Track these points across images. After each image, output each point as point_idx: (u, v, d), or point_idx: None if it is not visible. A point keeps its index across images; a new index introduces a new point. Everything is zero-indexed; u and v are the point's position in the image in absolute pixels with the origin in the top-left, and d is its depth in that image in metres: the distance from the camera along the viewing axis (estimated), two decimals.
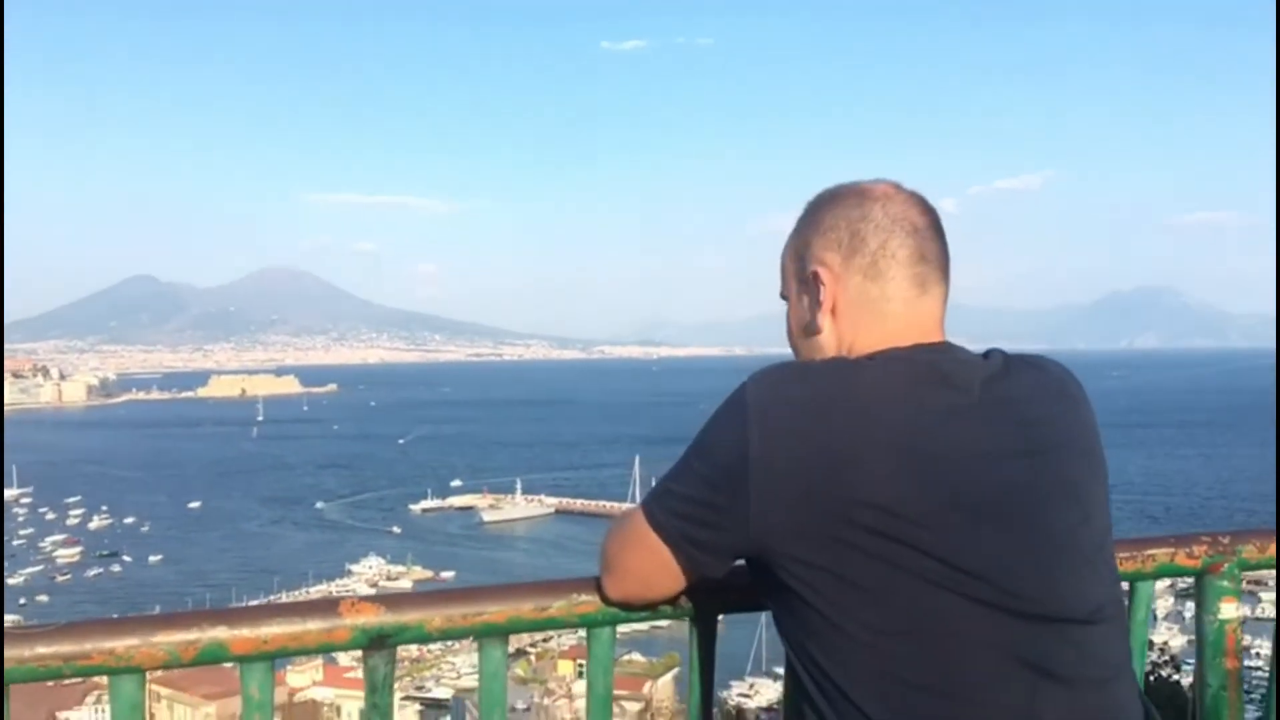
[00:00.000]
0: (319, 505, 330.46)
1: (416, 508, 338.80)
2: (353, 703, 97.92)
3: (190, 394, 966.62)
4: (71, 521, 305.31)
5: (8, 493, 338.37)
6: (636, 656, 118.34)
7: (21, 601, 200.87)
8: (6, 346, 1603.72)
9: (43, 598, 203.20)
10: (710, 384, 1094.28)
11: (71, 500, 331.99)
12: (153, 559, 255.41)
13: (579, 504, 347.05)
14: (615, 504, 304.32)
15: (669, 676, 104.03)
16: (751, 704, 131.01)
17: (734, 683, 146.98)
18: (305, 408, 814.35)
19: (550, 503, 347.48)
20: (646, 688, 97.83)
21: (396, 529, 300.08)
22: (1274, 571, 3.80)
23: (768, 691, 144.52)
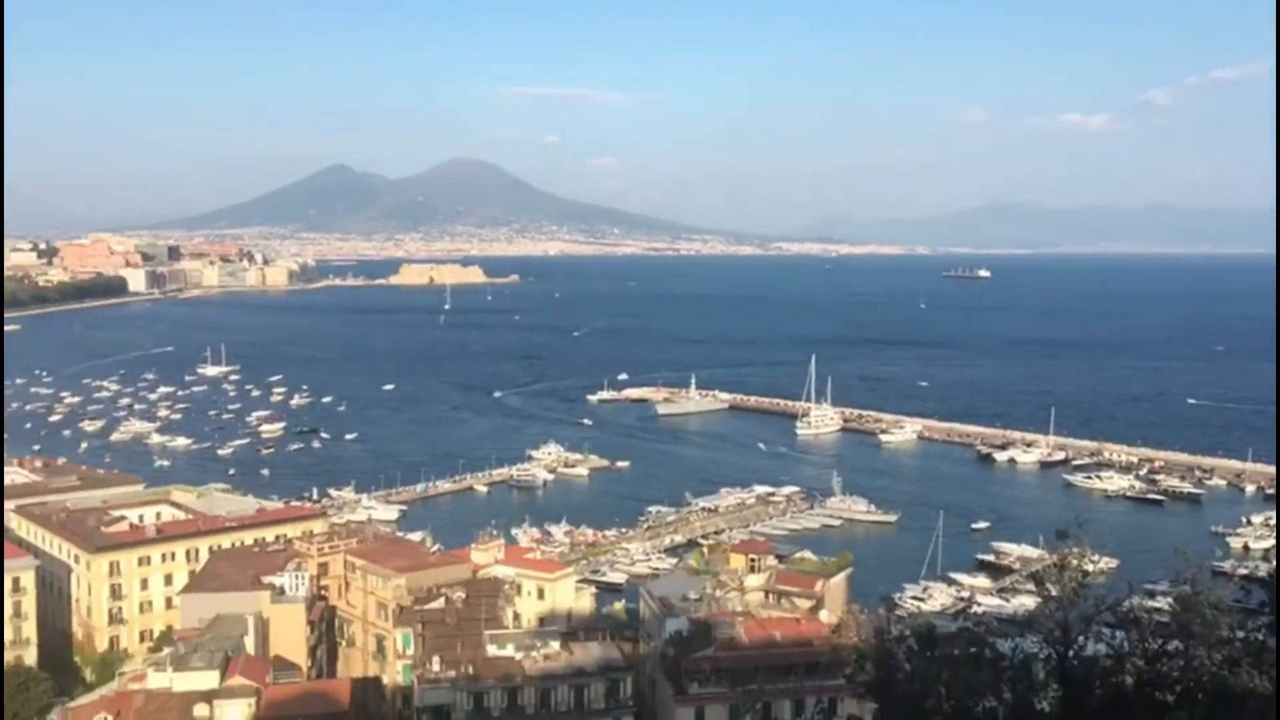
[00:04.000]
0: (497, 394, 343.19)
1: (593, 398, 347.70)
2: (531, 582, 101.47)
3: (382, 281, 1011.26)
4: (275, 399, 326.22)
5: (217, 369, 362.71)
6: (809, 555, 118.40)
7: (231, 472, 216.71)
8: (216, 230, 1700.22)
9: (264, 471, 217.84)
10: (888, 283, 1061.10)
11: (274, 379, 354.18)
12: (348, 437, 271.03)
13: (753, 400, 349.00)
14: (790, 401, 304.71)
15: (841, 577, 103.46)
16: (925, 607, 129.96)
17: (908, 585, 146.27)
18: (489, 297, 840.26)
19: (724, 398, 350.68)
20: (818, 586, 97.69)
21: (574, 418, 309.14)
22: None
23: (941, 596, 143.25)
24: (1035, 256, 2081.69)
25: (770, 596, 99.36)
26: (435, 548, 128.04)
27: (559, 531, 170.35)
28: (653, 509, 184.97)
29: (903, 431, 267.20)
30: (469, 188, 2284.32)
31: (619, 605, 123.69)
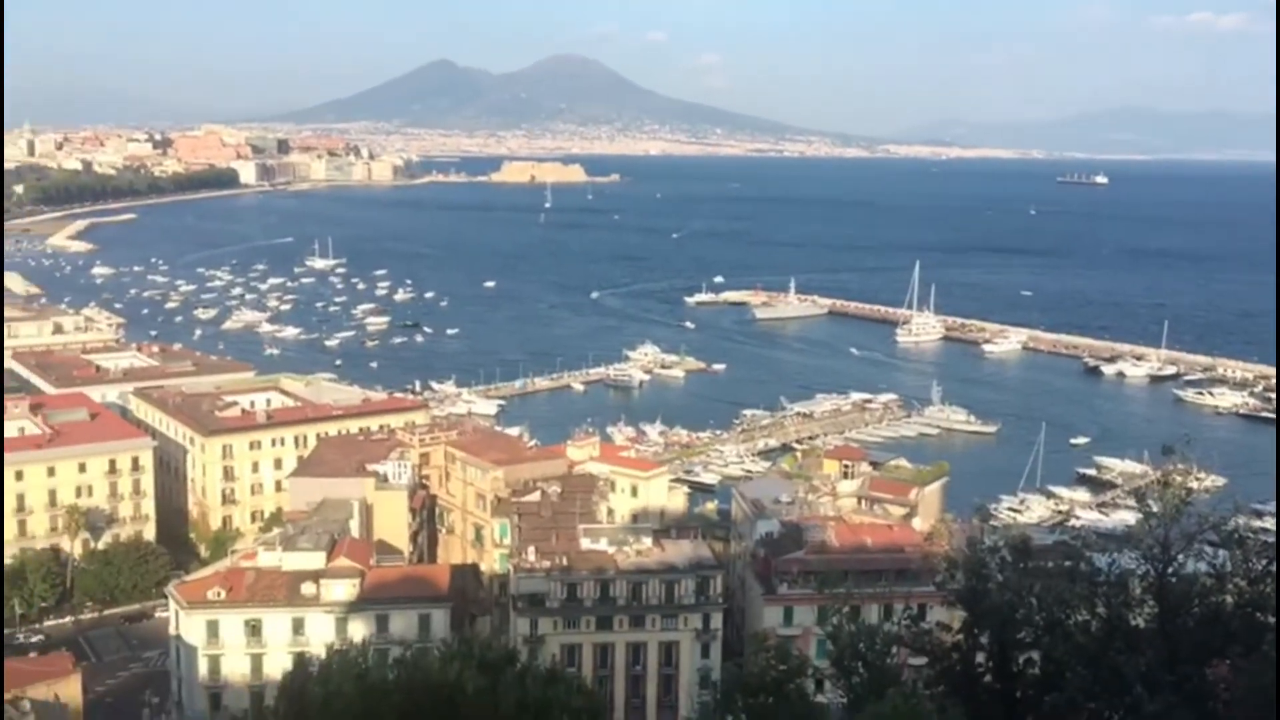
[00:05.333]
0: (595, 294, 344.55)
1: (691, 300, 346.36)
2: (625, 480, 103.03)
3: (484, 178, 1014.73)
4: (380, 293, 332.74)
5: (325, 262, 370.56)
6: (904, 463, 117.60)
7: (338, 362, 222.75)
8: (323, 124, 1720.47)
9: (373, 364, 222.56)
10: (999, 188, 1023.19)
11: (379, 273, 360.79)
12: (450, 332, 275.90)
13: (853, 306, 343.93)
14: (891, 308, 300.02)
15: (937, 486, 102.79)
16: (1021, 518, 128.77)
17: (1005, 497, 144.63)
18: (590, 197, 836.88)
19: (824, 303, 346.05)
20: (912, 494, 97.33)
21: (671, 320, 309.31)
22: None
23: (1038, 509, 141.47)
24: (1156, 162, 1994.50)
25: (863, 503, 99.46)
26: (532, 443, 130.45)
27: (654, 431, 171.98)
28: (748, 412, 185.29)
29: (1007, 342, 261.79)
30: (571, 84, 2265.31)
31: (711, 505, 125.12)
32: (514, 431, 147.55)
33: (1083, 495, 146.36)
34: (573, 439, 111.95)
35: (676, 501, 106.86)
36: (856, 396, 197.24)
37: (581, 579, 79.73)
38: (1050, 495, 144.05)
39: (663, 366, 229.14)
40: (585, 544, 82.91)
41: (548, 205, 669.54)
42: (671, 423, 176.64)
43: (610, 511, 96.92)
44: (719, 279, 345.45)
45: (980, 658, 36.61)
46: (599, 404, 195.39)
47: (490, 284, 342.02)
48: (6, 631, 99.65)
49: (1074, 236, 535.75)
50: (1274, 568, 32.32)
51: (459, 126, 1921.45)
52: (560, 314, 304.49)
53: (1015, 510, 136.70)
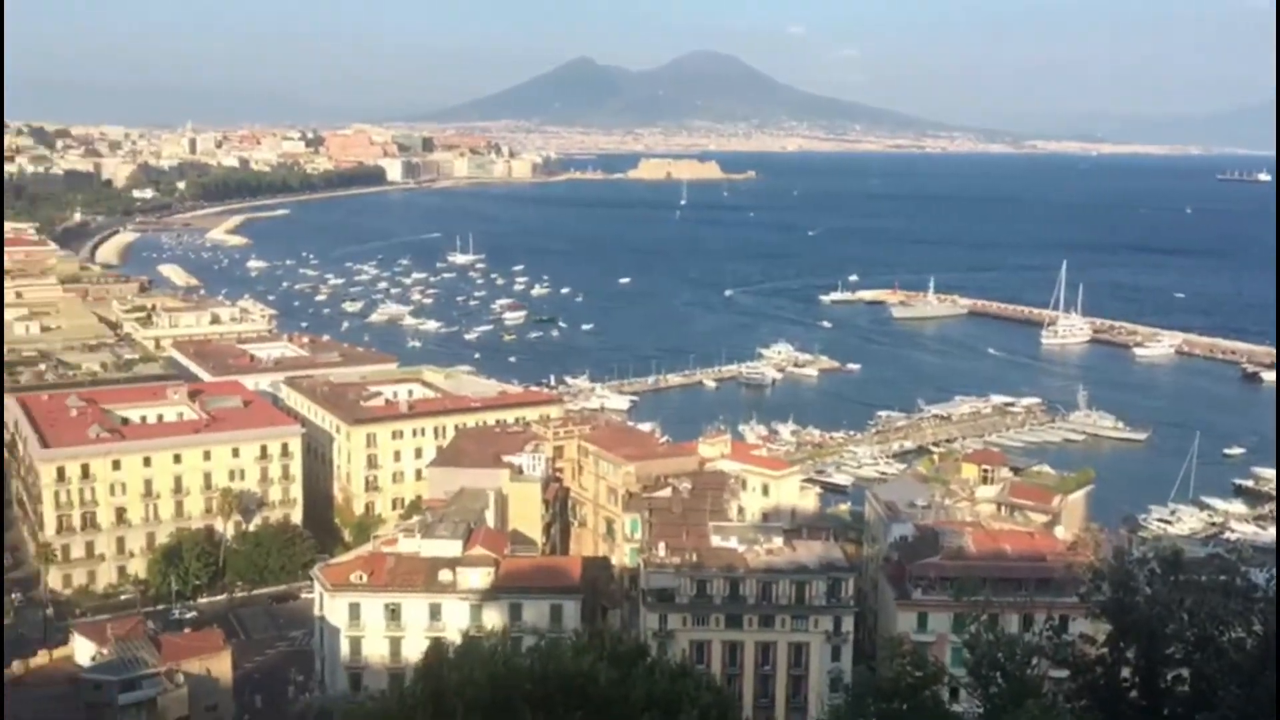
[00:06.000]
0: (729, 292, 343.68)
1: (826, 299, 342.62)
2: (756, 478, 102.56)
3: (621, 175, 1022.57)
4: (517, 288, 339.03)
5: (465, 258, 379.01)
6: (1047, 469, 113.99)
7: (476, 355, 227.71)
8: (466, 123, 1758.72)
9: (512, 359, 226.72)
10: (1151, 186, 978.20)
11: (517, 269, 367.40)
12: (585, 327, 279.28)
13: (995, 306, 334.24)
14: (1036, 309, 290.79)
15: (1081, 494, 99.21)
16: (1172, 530, 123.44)
17: (1154, 507, 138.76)
18: (725, 194, 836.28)
19: (964, 303, 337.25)
20: (1055, 501, 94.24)
21: (806, 318, 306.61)
22: None
23: (1190, 520, 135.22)
24: None
25: (1002, 509, 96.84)
26: (664, 439, 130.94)
27: (786, 430, 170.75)
28: (883, 413, 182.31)
29: (1159, 345, 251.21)
30: (708, 81, 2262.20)
31: (844, 507, 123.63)
32: (646, 427, 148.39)
33: (1239, 507, 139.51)
34: (704, 436, 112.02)
35: (808, 502, 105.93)
36: (997, 399, 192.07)
37: (711, 576, 79.71)
38: (1203, 507, 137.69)
39: (796, 365, 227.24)
40: (715, 541, 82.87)
41: (683, 202, 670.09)
42: (804, 422, 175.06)
43: (741, 510, 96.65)
44: (853, 277, 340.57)
45: (1125, 673, 35.28)
46: (731, 402, 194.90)
47: (625, 280, 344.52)
48: (163, 607, 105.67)
49: (1233, 236, 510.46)
50: None
51: (597, 124, 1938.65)
52: (694, 311, 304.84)
53: (1165, 521, 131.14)
